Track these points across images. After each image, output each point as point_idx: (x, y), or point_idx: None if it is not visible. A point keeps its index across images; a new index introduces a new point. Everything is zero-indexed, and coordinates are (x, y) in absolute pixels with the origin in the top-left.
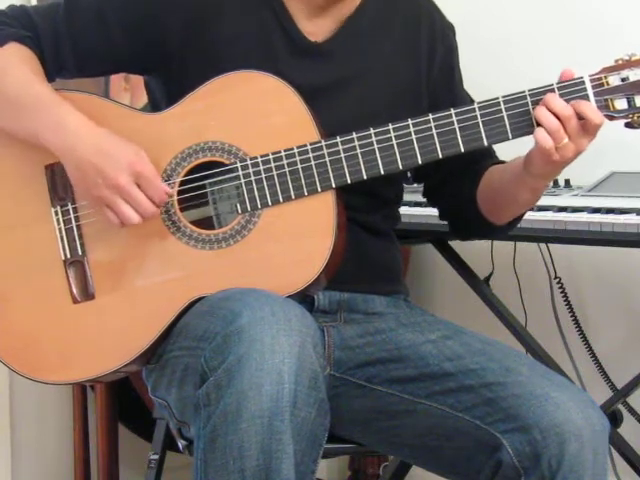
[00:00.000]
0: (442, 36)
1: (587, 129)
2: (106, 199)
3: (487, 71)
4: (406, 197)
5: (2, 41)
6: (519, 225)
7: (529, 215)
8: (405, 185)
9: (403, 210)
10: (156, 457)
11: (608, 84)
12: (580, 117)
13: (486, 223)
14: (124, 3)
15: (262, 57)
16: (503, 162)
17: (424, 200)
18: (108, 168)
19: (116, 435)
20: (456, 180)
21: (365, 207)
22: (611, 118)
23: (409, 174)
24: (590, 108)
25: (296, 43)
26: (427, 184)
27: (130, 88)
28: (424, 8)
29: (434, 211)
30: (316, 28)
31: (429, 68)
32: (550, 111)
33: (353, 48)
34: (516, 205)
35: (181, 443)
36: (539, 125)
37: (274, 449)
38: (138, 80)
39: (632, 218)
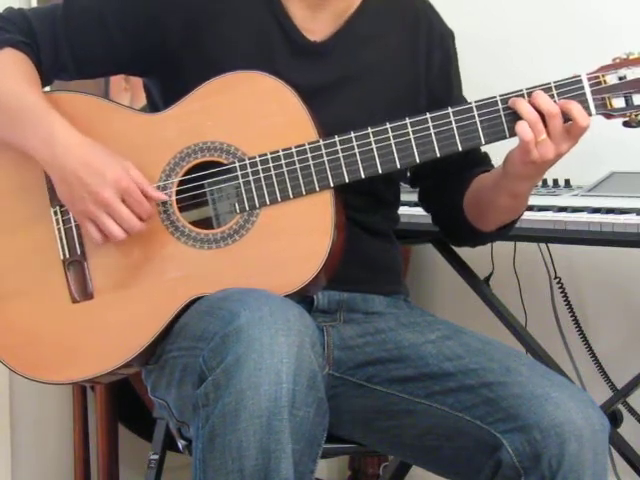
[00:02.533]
0: (440, 40)
1: (571, 132)
2: (91, 214)
3: (487, 72)
4: (406, 197)
5: None
6: (519, 225)
7: (529, 215)
8: (404, 185)
9: (403, 210)
10: (156, 457)
11: (606, 82)
12: (566, 118)
13: (472, 229)
14: (123, 5)
15: (261, 57)
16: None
17: None
18: (93, 183)
19: (116, 435)
20: (446, 185)
21: (365, 207)
22: (609, 117)
23: (409, 174)
24: (577, 108)
25: (295, 42)
26: (421, 188)
27: (130, 88)
28: (423, 12)
29: None
30: (315, 27)
31: (427, 71)
32: (535, 107)
33: (352, 48)
34: (498, 211)
35: (181, 443)
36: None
37: (273, 449)
38: (138, 80)
39: (632, 218)
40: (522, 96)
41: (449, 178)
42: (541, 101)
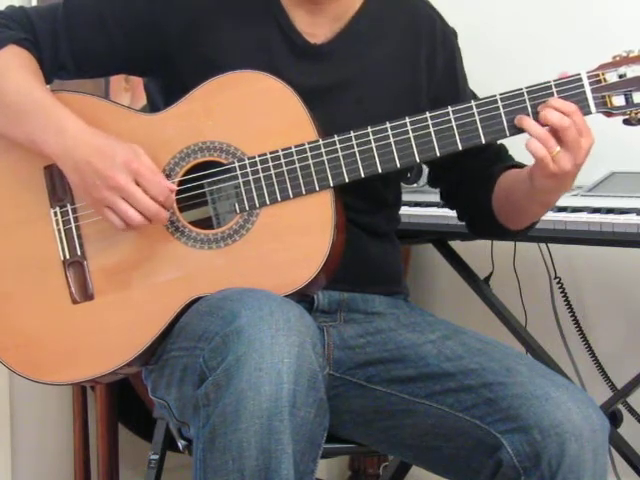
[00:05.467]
0: (443, 40)
1: (580, 131)
2: (106, 200)
3: (487, 70)
4: (406, 197)
5: (1, 44)
6: None
7: None
8: (405, 185)
9: (403, 210)
10: (156, 457)
11: (605, 81)
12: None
13: (503, 228)
14: (123, 6)
15: (261, 59)
16: (516, 164)
17: (424, 200)
18: (105, 168)
19: (116, 435)
20: (470, 184)
21: (365, 209)
22: (609, 115)
23: (409, 174)
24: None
25: (296, 45)
26: (443, 188)
27: (130, 88)
28: (425, 12)
29: (434, 211)
30: (315, 29)
31: (430, 72)
32: (547, 124)
33: (352, 50)
34: (529, 215)
35: (181, 443)
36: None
37: (273, 449)
38: (138, 80)
39: (632, 218)
40: (522, 95)
41: (470, 177)
42: (551, 118)
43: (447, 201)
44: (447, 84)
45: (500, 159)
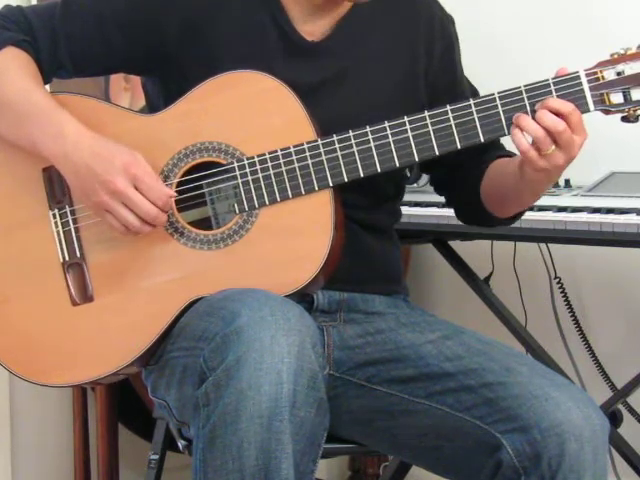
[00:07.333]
0: (441, 29)
1: (575, 130)
2: (105, 204)
3: (487, 71)
4: (406, 197)
5: None
6: (519, 226)
7: (529, 215)
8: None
9: (403, 210)
10: (156, 457)
11: (604, 78)
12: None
13: (490, 215)
14: (122, 6)
15: (259, 58)
16: (509, 153)
17: (424, 200)
18: (104, 172)
19: (116, 435)
20: (462, 171)
21: (365, 205)
22: (607, 112)
23: (409, 174)
24: (558, 103)
25: (293, 43)
26: (434, 174)
27: (130, 88)
28: (422, 2)
29: (434, 211)
30: (314, 28)
31: (428, 62)
32: (543, 126)
33: (350, 45)
34: (518, 203)
35: (181, 443)
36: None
37: (273, 449)
38: (138, 80)
39: (632, 218)
40: (520, 94)
41: (462, 165)
42: (546, 121)
43: (437, 187)
44: (445, 71)
45: (494, 147)
